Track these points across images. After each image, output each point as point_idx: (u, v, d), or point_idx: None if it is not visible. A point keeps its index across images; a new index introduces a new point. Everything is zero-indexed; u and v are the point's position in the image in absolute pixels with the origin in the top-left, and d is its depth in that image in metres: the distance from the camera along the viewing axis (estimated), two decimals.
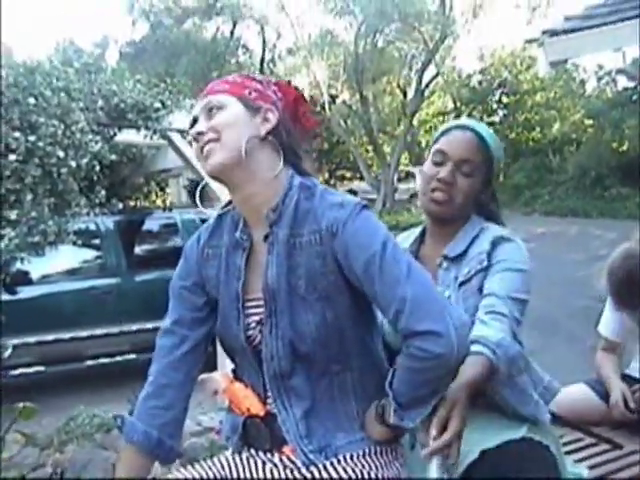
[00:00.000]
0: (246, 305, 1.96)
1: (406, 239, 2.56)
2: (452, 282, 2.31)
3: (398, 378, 1.82)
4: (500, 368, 1.99)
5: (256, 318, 1.95)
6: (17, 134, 6.73)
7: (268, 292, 1.91)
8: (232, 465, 2.03)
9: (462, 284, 2.28)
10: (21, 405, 2.08)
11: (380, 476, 1.90)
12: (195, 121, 1.96)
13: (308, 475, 1.90)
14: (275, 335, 1.90)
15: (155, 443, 2.00)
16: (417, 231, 2.55)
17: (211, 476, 1.99)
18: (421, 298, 1.77)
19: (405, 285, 1.78)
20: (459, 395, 1.87)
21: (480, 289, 2.24)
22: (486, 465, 2.11)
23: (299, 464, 1.92)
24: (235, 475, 2.00)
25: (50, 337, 8.85)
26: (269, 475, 1.96)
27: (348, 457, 1.90)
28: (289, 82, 2.12)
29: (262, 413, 1.96)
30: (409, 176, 28.53)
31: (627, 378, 3.37)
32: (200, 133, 1.91)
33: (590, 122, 26.06)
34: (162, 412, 2.03)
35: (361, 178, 30.67)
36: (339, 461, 1.90)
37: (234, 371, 2.09)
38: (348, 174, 34.78)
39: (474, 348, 1.95)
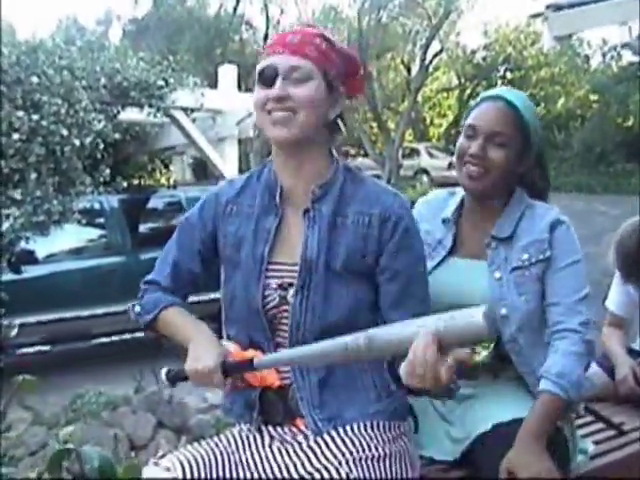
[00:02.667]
0: (268, 268, 1.98)
1: (433, 208, 2.54)
2: (502, 263, 2.32)
3: None
4: (567, 397, 2.13)
5: (277, 281, 1.97)
6: (20, 113, 6.74)
7: (305, 264, 1.94)
8: (239, 443, 2.03)
9: (517, 268, 2.30)
10: (20, 378, 2.07)
11: (387, 450, 1.91)
12: (268, 71, 1.91)
13: (316, 448, 1.92)
14: (305, 307, 1.92)
15: (185, 307, 2.09)
16: (454, 200, 2.50)
17: (218, 454, 1.99)
18: None
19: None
20: (522, 444, 2.05)
21: (540, 278, 2.29)
22: (497, 438, 2.13)
23: (309, 435, 1.94)
24: (242, 453, 2.00)
25: (56, 316, 8.87)
26: (276, 451, 1.97)
27: (356, 429, 1.93)
28: (356, 56, 2.07)
29: (277, 384, 1.95)
30: (413, 152, 28.46)
31: (633, 353, 3.37)
32: (280, 98, 1.89)
33: (595, 97, 25.89)
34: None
35: (365, 154, 30.56)
36: (346, 432, 1.92)
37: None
38: (352, 150, 34.65)
39: (540, 386, 2.14)
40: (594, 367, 3.34)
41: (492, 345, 2.29)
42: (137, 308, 2.12)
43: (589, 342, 2.22)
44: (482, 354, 2.30)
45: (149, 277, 2.16)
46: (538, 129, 2.42)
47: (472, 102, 2.55)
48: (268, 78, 1.90)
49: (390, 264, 1.93)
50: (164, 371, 1.91)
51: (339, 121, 2.03)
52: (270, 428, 2.01)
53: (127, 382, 6.83)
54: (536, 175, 2.50)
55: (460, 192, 2.49)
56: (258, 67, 1.94)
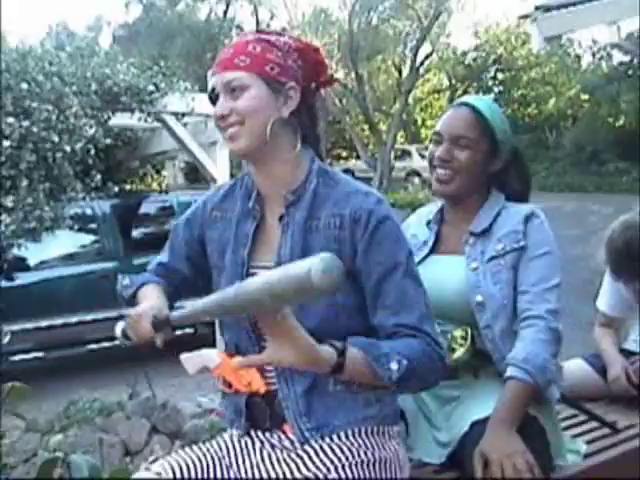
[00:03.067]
0: (250, 272, 1.98)
1: (422, 217, 2.65)
2: (479, 256, 2.39)
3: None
4: (533, 381, 2.16)
5: None
6: (11, 120, 6.73)
7: None
8: (230, 447, 2.03)
9: (493, 258, 2.36)
10: (10, 385, 2.09)
11: (377, 456, 1.91)
12: (214, 92, 1.95)
13: (304, 455, 1.91)
14: None
15: (164, 288, 2.14)
16: (434, 209, 2.60)
17: (209, 459, 1.99)
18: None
19: (414, 310, 1.89)
20: (492, 430, 2.11)
21: (514, 267, 2.34)
22: (474, 436, 2.15)
23: (296, 444, 1.93)
24: (233, 458, 2.01)
25: (49, 322, 8.87)
26: (266, 458, 1.97)
27: (343, 436, 1.91)
28: (308, 45, 2.04)
29: (263, 390, 1.94)
30: (405, 154, 28.51)
31: (626, 352, 3.37)
32: (224, 116, 1.92)
33: (586, 97, 25.97)
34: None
35: (357, 157, 30.63)
36: (332, 440, 1.91)
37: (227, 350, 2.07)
38: (344, 153, 34.69)
39: (507, 373, 2.20)
40: (585, 366, 3.36)
41: (468, 342, 2.33)
42: (126, 281, 2.19)
43: (555, 330, 2.25)
44: (459, 351, 2.32)
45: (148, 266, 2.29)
46: (507, 130, 2.50)
47: None
48: (213, 100, 1.96)
49: (362, 265, 1.90)
50: (119, 327, 1.99)
51: (304, 115, 2.00)
52: (259, 433, 2.01)
53: (121, 388, 6.83)
54: (511, 177, 2.54)
55: (437, 205, 2.60)
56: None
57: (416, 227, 2.60)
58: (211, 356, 1.96)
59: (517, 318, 2.31)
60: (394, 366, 1.77)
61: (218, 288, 2.03)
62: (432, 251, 2.49)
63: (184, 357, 1.98)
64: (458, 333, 2.34)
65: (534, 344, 2.21)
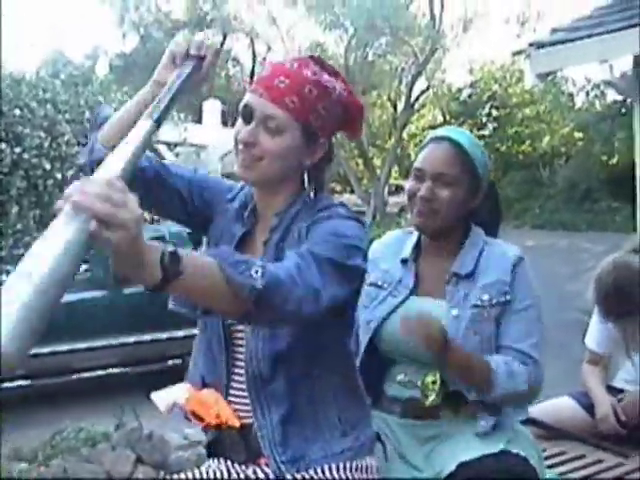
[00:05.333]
0: None
1: (390, 247, 2.55)
2: (461, 300, 2.31)
3: None
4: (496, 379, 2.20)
5: None
6: (2, 146, 6.72)
7: None
8: (209, 478, 1.98)
9: (477, 307, 2.29)
10: None
11: None
12: (247, 108, 1.85)
13: None
14: (256, 334, 1.87)
15: None
16: (411, 240, 2.50)
17: None
18: None
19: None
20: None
21: (497, 319, 2.29)
22: (461, 478, 2.10)
23: (271, 477, 1.88)
24: None
25: (37, 350, 8.79)
26: None
27: (320, 471, 1.86)
28: (356, 101, 1.98)
29: (236, 423, 1.90)
30: (399, 189, 28.57)
31: (613, 390, 3.35)
32: (247, 144, 1.83)
33: (580, 135, 26.18)
34: None
35: (351, 191, 30.69)
36: (308, 473, 1.86)
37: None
38: (338, 187, 34.74)
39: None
40: (573, 404, 3.34)
41: (438, 386, 2.26)
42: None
43: (536, 380, 2.26)
44: (431, 397, 2.27)
45: None
46: (487, 163, 2.44)
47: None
48: (246, 116, 1.86)
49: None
50: None
51: (323, 161, 1.94)
52: (236, 466, 1.96)
53: (107, 418, 6.77)
54: (486, 208, 2.49)
55: (416, 232, 2.49)
56: (243, 100, 1.89)
57: (387, 261, 2.49)
58: (180, 391, 1.93)
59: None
60: (255, 273, 1.54)
61: None
62: (412, 292, 2.40)
63: (154, 395, 1.96)
64: (429, 379, 2.27)
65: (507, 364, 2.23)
